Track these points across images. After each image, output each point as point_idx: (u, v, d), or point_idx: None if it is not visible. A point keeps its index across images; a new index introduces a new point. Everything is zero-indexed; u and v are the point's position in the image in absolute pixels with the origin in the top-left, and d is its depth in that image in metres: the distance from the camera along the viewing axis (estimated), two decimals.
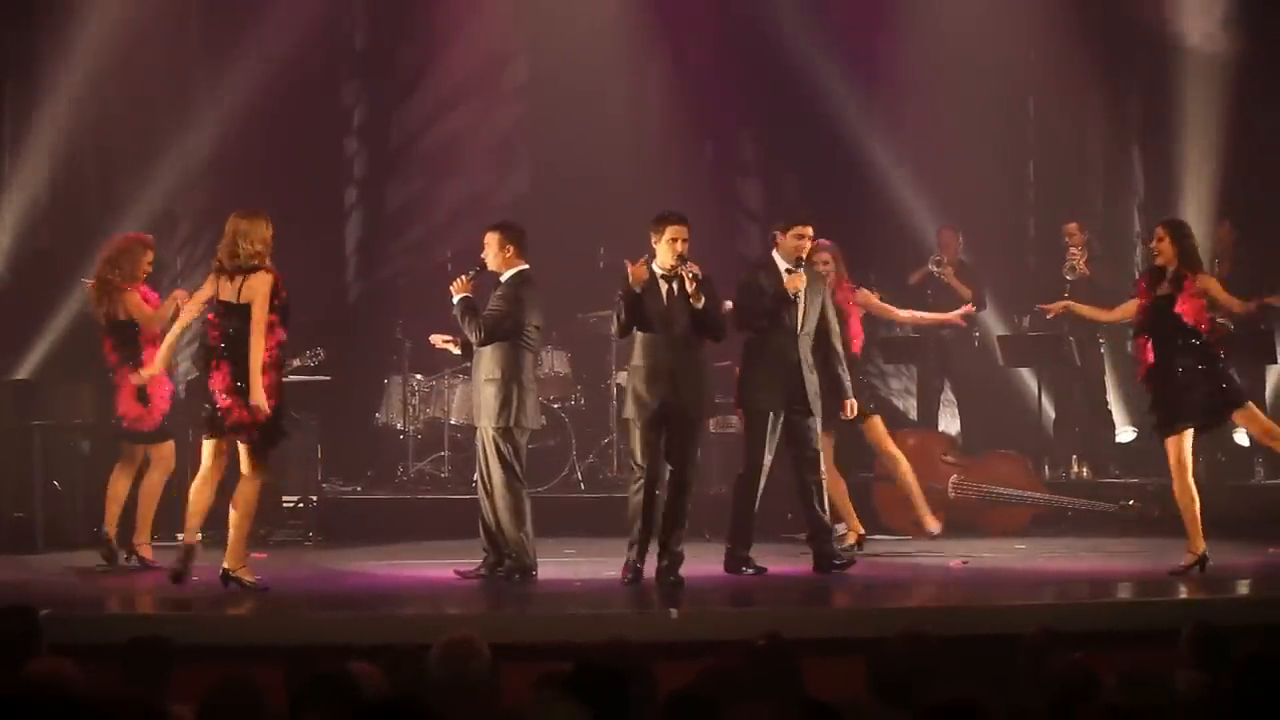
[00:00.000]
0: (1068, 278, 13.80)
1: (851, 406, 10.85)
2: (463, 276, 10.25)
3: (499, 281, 10.25)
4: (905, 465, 12.04)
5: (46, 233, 13.80)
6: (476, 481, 10.36)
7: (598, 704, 5.08)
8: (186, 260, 14.04)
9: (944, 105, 14.53)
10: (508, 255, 10.24)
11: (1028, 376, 14.19)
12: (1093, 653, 6.04)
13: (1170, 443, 10.08)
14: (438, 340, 10.67)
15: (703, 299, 9.98)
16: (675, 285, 10.07)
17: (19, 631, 6.37)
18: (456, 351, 10.57)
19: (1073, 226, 13.89)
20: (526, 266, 10.27)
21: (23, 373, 12.95)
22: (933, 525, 12.05)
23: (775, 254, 10.63)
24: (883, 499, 12.75)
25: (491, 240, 10.28)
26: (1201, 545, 10.05)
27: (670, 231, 10.06)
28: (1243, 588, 10.04)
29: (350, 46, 15.44)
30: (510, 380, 10.13)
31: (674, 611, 8.93)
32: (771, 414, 10.47)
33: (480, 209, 14.34)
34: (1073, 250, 13.73)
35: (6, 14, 13.55)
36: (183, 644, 6.59)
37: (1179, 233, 10.29)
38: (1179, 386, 10.08)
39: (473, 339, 10.20)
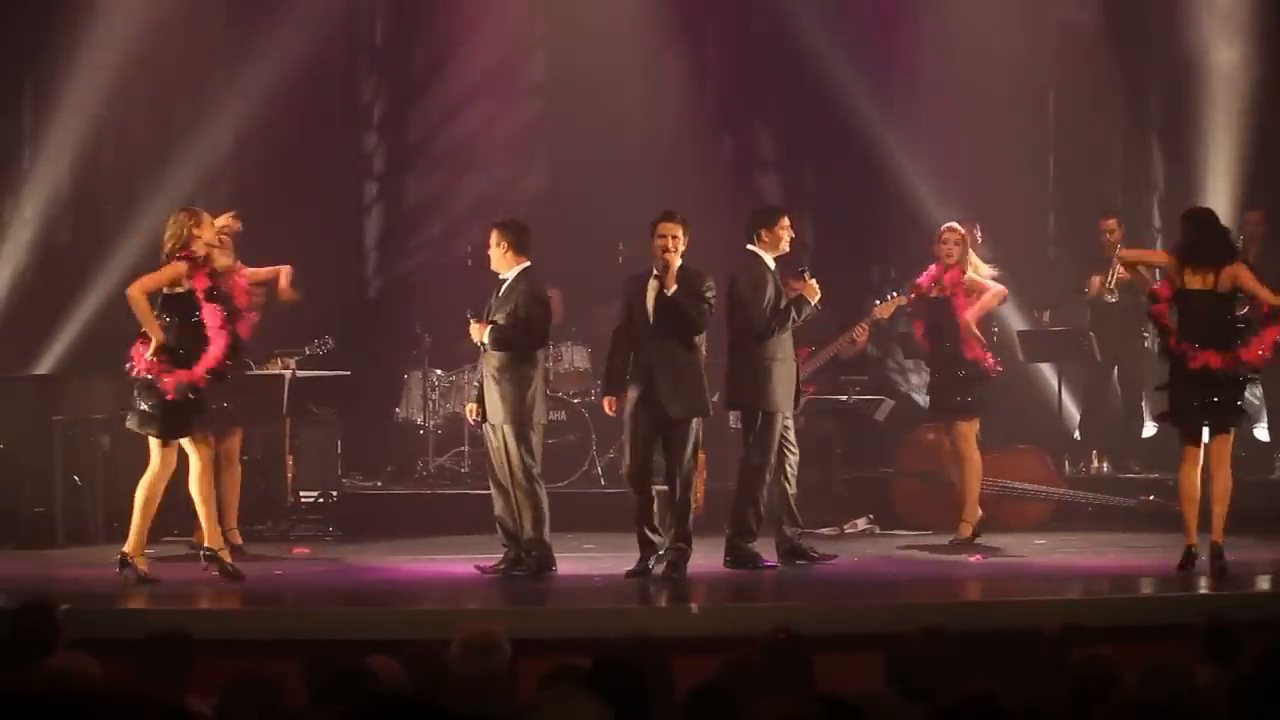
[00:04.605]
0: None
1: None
2: (476, 325, 10.18)
3: (499, 281, 10.25)
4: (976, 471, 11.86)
5: (67, 228, 13.84)
6: (491, 477, 10.36)
7: (616, 699, 5.08)
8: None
9: (963, 99, 14.47)
10: (506, 253, 10.23)
11: (1048, 371, 14.14)
12: (1113, 648, 6.03)
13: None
14: (477, 334, 10.50)
15: (674, 286, 9.97)
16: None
17: (38, 627, 6.40)
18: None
19: (1111, 223, 13.81)
20: (529, 264, 10.27)
21: (43, 368, 12.99)
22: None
23: (759, 250, 10.50)
24: (901, 494, 12.72)
25: (493, 239, 10.25)
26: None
27: (658, 229, 10.08)
28: (1263, 583, 10.02)
29: (370, 42, 15.44)
30: (524, 377, 10.13)
31: (694, 606, 8.92)
32: (785, 413, 10.48)
33: (499, 204, 14.32)
34: (1106, 242, 13.66)
35: (27, 10, 13.57)
36: (201, 638, 6.59)
37: None
38: None
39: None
